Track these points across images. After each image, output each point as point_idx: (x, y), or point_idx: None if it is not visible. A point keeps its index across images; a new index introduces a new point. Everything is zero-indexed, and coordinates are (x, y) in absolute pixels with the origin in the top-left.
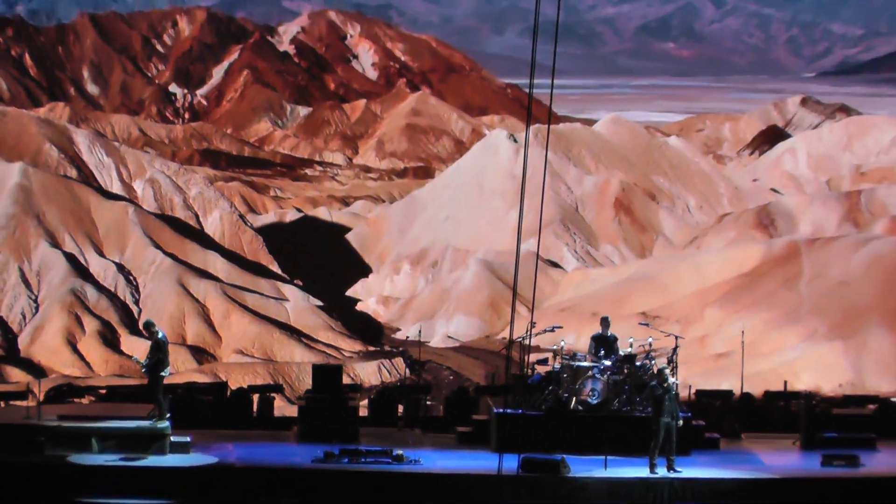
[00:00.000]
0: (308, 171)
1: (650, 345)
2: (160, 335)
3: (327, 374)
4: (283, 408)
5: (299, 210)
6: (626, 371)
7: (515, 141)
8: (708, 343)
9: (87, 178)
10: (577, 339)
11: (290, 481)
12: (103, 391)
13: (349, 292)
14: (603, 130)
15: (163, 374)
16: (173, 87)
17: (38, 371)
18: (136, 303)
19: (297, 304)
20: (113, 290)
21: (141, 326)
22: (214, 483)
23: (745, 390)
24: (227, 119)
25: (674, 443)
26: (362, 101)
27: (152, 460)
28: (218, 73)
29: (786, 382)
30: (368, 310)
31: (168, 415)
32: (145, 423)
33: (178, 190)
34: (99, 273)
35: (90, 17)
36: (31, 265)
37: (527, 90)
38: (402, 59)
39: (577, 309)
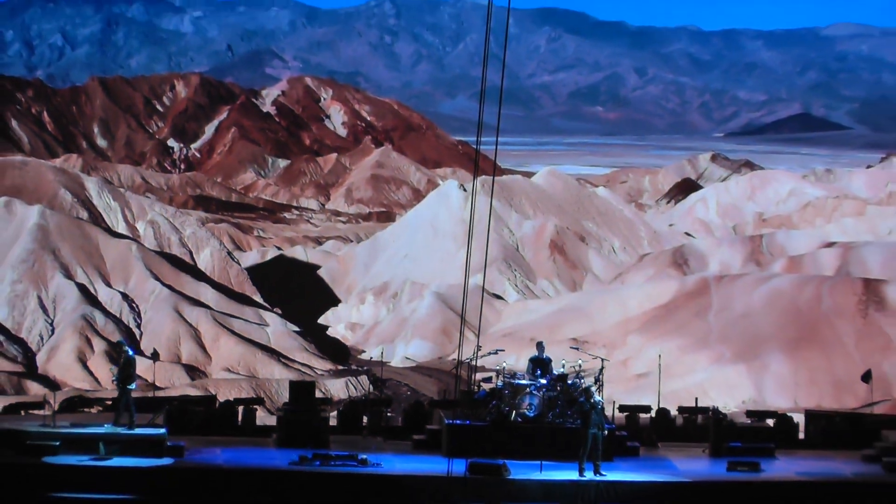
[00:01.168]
0: (286, 215)
1: (580, 366)
2: (130, 353)
3: (302, 389)
4: (264, 418)
5: (279, 248)
6: (559, 388)
7: (465, 190)
8: (630, 365)
9: (96, 219)
10: (517, 360)
11: (270, 481)
12: (109, 402)
13: (321, 319)
14: (540, 182)
15: (130, 387)
16: (171, 142)
17: (53, 385)
18: (139, 327)
19: (277, 329)
20: (118, 315)
21: (115, 344)
22: (203, 482)
23: (661, 406)
24: (217, 169)
25: (600, 450)
26: (333, 155)
27: (117, 461)
28: (209, 129)
29: (697, 399)
30: (338, 334)
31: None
32: (121, 430)
33: (174, 230)
34: (106, 301)
35: (99, 80)
36: (47, 294)
37: (475, 146)
38: (368, 119)
39: (517, 335)
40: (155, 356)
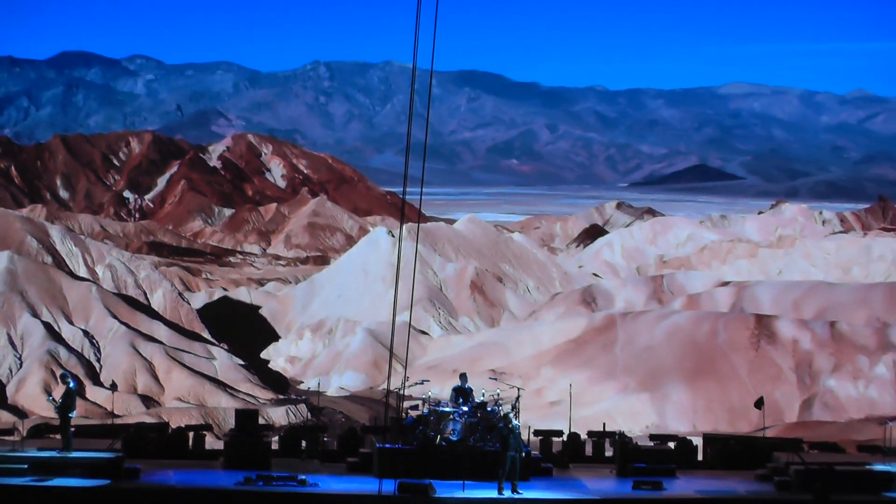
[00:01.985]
0: (231, 259)
1: (498, 395)
2: (71, 385)
3: (247, 417)
4: (213, 443)
5: (225, 289)
6: (479, 415)
7: (393, 236)
8: (543, 394)
9: (59, 263)
10: (442, 390)
11: (218, 500)
12: (73, 429)
13: (263, 354)
14: (461, 228)
15: (70, 415)
16: (126, 193)
17: (21, 414)
18: (98, 361)
19: (224, 363)
20: (80, 350)
21: (58, 376)
22: (158, 501)
23: (572, 430)
24: (169, 218)
25: (517, 471)
26: (273, 205)
27: (57, 481)
28: (161, 182)
29: (604, 424)
30: (278, 367)
31: (72, 446)
32: (60, 453)
33: (130, 273)
34: (69, 338)
35: (61, 138)
36: (16, 331)
37: (402, 197)
38: (305, 172)
39: (441, 367)
40: (113, 387)
